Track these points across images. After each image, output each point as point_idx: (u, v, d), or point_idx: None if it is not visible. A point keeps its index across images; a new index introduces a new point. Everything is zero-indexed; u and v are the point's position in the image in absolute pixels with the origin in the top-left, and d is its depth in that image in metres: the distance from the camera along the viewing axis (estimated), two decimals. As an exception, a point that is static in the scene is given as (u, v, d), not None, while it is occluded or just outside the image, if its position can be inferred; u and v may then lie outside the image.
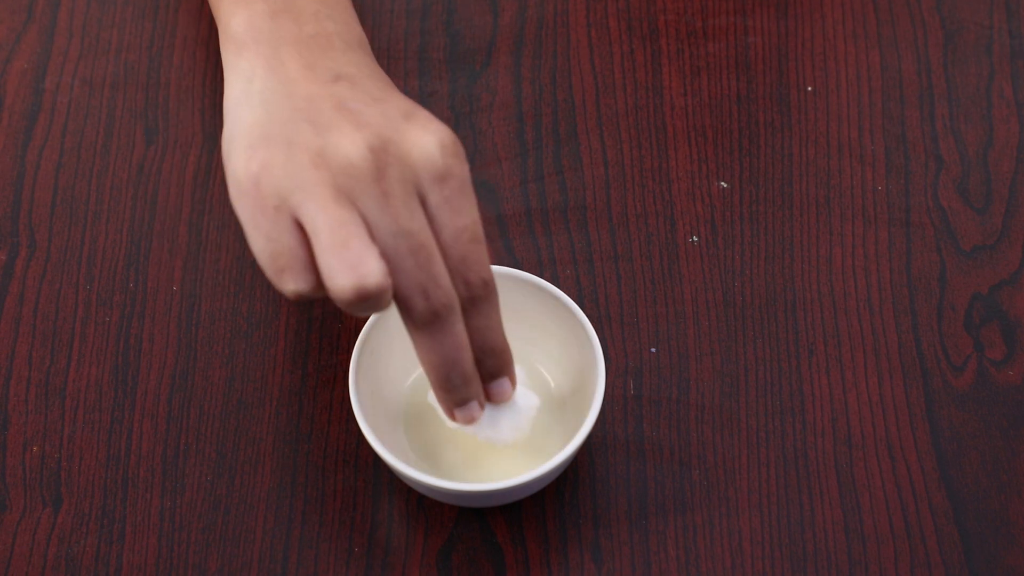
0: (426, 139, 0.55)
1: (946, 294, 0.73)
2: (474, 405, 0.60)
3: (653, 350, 0.71)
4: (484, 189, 0.76)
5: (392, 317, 0.67)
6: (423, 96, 0.78)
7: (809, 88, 0.79)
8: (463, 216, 0.56)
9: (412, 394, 0.69)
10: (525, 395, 0.63)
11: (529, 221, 0.75)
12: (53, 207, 0.75)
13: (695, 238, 0.74)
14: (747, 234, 0.74)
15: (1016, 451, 0.69)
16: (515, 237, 0.74)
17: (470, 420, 0.60)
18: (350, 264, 0.53)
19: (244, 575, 0.66)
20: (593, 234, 0.74)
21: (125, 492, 0.67)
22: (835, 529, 0.67)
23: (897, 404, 0.70)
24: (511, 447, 0.65)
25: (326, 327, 0.72)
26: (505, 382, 0.61)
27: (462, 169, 0.56)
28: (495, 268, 0.67)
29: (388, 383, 0.68)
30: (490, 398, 0.61)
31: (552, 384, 0.69)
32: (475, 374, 0.59)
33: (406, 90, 0.78)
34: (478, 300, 0.57)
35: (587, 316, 0.66)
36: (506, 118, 0.78)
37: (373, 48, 0.80)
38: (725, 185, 0.76)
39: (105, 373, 0.70)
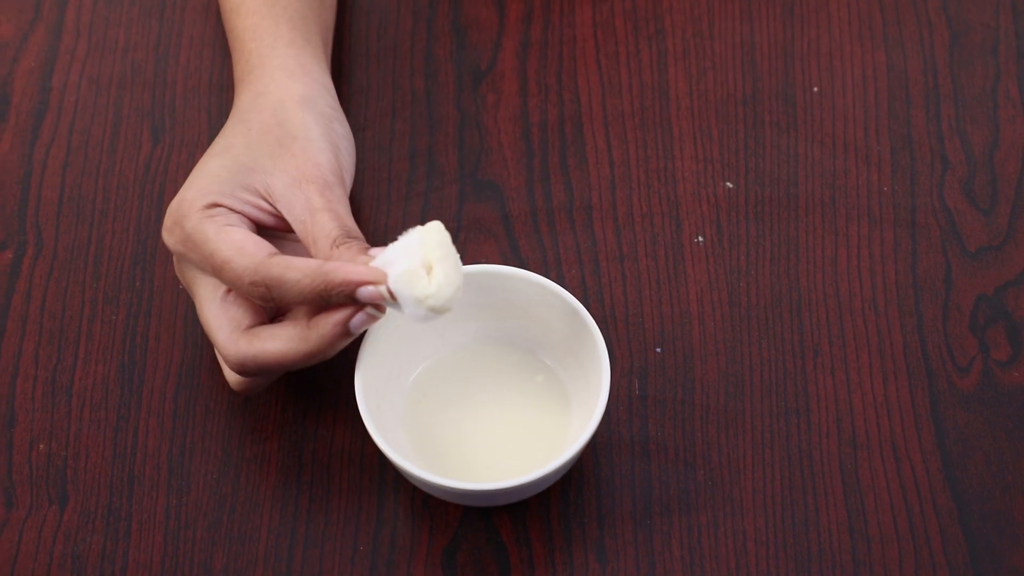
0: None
1: (951, 295, 0.73)
2: (361, 316, 0.63)
3: (658, 350, 0.71)
4: (490, 189, 0.76)
5: (397, 317, 0.67)
6: (429, 95, 0.78)
7: (815, 89, 0.79)
8: (205, 258, 0.64)
9: (417, 392, 0.69)
10: (395, 265, 0.62)
11: (535, 221, 0.75)
12: (60, 205, 0.75)
13: (700, 238, 0.74)
14: (752, 234, 0.74)
15: (1021, 452, 0.69)
16: (520, 237, 0.74)
17: (367, 321, 0.63)
18: None
19: (249, 573, 0.66)
20: (599, 234, 0.74)
21: (131, 490, 0.68)
22: (840, 530, 0.67)
23: (902, 405, 0.70)
24: (444, 303, 0.62)
25: (332, 326, 0.72)
26: (361, 292, 0.61)
27: (170, 240, 0.65)
28: (500, 268, 0.67)
29: (393, 382, 0.68)
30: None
31: (557, 383, 0.69)
32: (324, 316, 0.63)
33: (412, 89, 0.79)
34: (264, 296, 0.63)
35: (592, 316, 0.66)
36: (512, 118, 0.78)
37: (379, 48, 0.80)
38: (731, 185, 0.76)
39: (111, 371, 0.71)
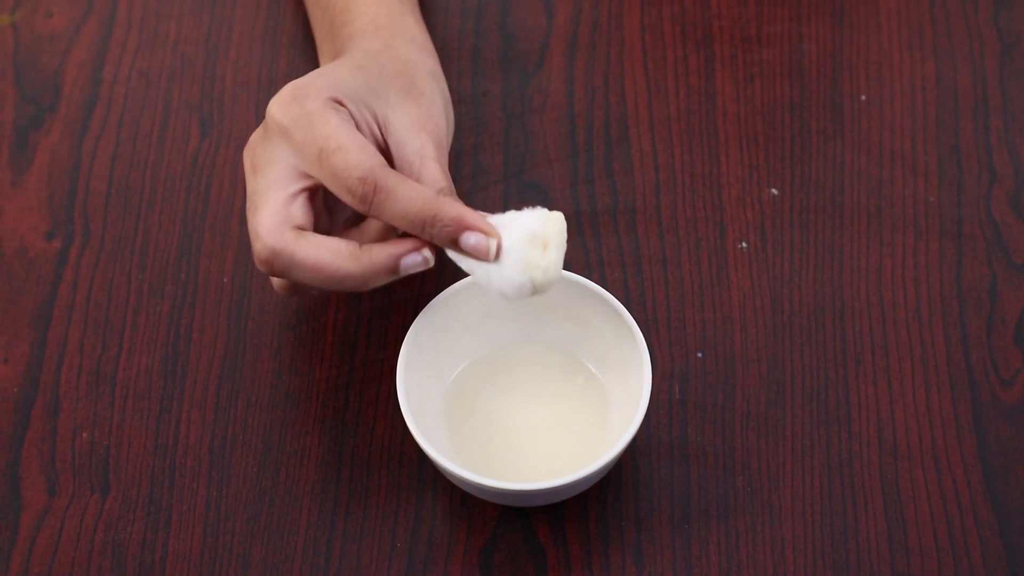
0: None
1: (996, 307, 0.72)
2: (416, 257, 0.63)
3: (699, 355, 0.71)
4: (534, 190, 0.76)
5: (439, 315, 0.67)
6: (475, 96, 0.79)
7: (863, 97, 0.78)
8: (315, 140, 0.63)
9: (457, 391, 0.69)
10: (513, 227, 0.62)
11: (579, 223, 0.75)
12: (108, 197, 0.76)
13: (744, 244, 0.74)
14: (797, 241, 0.74)
15: (1064, 467, 0.68)
16: (564, 238, 0.74)
17: (419, 265, 0.63)
18: None
19: (287, 567, 0.66)
20: (642, 237, 0.74)
21: (172, 481, 0.68)
22: (879, 540, 0.66)
23: (944, 416, 0.69)
24: (547, 281, 0.62)
25: (374, 322, 0.72)
26: (467, 237, 0.61)
27: (279, 112, 0.64)
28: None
29: (434, 380, 0.68)
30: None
31: (598, 385, 0.69)
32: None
33: (459, 89, 0.79)
34: (365, 197, 0.62)
35: (634, 319, 0.66)
36: (558, 120, 0.78)
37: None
38: (776, 192, 0.76)
39: (155, 362, 0.71)
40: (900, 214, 0.75)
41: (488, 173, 0.76)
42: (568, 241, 0.74)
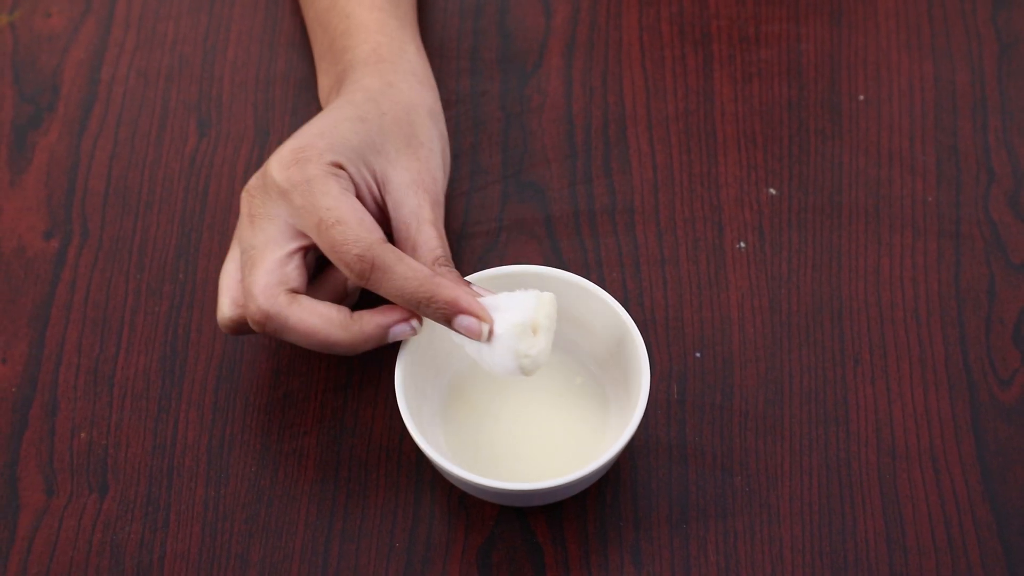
0: None
1: (995, 307, 0.72)
2: (405, 327, 0.65)
3: (698, 355, 0.71)
4: (532, 190, 0.76)
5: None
6: (474, 96, 0.79)
7: (861, 97, 0.79)
8: (314, 209, 0.64)
9: (455, 391, 0.69)
10: (509, 312, 0.63)
11: (577, 223, 0.75)
12: (106, 196, 0.76)
13: (742, 244, 0.74)
14: (795, 241, 0.74)
15: (1062, 467, 0.68)
16: (562, 239, 0.74)
17: (407, 334, 0.65)
18: None
19: (285, 566, 0.66)
20: (640, 237, 0.74)
21: (170, 480, 0.68)
22: (877, 540, 0.66)
23: (942, 416, 0.69)
24: (534, 367, 0.63)
25: (372, 323, 0.72)
26: (460, 319, 0.62)
27: (280, 175, 0.64)
28: (541, 269, 0.68)
29: (432, 380, 0.68)
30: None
31: (596, 386, 0.69)
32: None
33: (457, 89, 0.79)
34: (362, 272, 0.63)
35: (632, 319, 0.66)
36: (556, 120, 0.78)
37: (425, 47, 0.80)
38: (774, 192, 0.76)
39: (153, 362, 0.71)
40: (898, 214, 0.75)
41: (487, 173, 0.76)
42: (567, 241, 0.74)
